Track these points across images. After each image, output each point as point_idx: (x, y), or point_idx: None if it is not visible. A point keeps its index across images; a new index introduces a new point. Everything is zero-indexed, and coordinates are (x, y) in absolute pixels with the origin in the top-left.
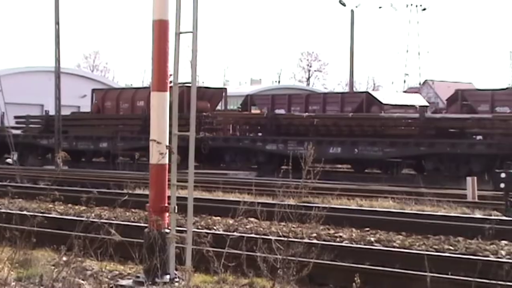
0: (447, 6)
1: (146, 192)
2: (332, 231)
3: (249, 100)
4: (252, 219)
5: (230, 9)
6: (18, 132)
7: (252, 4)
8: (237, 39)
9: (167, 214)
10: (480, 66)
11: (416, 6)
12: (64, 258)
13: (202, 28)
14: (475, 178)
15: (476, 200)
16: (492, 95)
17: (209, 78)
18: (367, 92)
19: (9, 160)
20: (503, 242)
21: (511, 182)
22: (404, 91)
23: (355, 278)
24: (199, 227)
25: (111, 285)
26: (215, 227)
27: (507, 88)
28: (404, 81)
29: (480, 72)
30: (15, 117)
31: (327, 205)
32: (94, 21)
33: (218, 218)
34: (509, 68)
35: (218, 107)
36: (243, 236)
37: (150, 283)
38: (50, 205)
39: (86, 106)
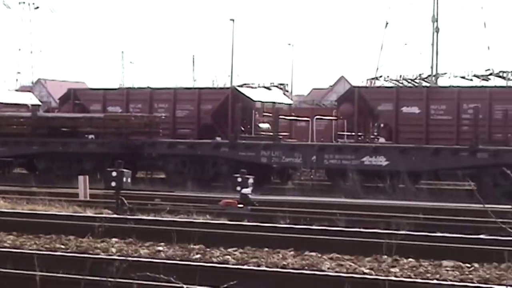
0: (59, 5)
1: None
2: None
3: None
4: None
5: None
6: None
7: None
8: None
9: None
10: (93, 66)
11: (29, 4)
12: None
13: None
14: (87, 177)
15: (88, 198)
16: (104, 94)
17: None
18: None
19: None
20: (114, 239)
21: (122, 180)
22: (17, 90)
23: None
24: None
25: None
26: None
27: (119, 88)
28: (17, 80)
29: (92, 72)
30: None
31: None
32: None
33: None
34: (120, 68)
35: None
36: None
37: None
38: None
39: None
